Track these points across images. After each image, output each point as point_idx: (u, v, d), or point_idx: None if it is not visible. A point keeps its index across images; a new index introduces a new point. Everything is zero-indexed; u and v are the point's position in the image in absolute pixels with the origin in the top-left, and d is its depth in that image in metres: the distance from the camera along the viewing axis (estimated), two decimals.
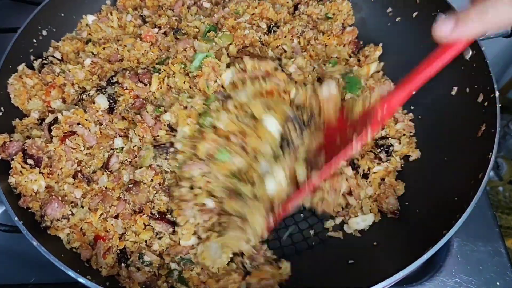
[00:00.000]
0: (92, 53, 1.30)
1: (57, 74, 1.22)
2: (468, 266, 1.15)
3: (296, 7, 1.44)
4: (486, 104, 1.07)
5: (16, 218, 0.95)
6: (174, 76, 1.18)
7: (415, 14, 1.30)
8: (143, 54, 1.28)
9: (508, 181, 1.86)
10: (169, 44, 1.28)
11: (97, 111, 1.14)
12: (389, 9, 1.37)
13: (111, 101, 1.17)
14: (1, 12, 1.68)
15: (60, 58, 1.29)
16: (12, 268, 1.22)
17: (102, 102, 1.15)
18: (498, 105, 1.02)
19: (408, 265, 0.87)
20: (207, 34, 1.29)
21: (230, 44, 1.27)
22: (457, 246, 1.18)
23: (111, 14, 1.39)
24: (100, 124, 1.15)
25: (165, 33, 1.34)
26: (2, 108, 1.16)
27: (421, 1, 1.27)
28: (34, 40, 1.28)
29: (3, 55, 1.17)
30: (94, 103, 1.15)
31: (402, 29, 1.34)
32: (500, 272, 1.14)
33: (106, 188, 1.08)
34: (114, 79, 1.21)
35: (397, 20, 1.36)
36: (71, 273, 0.89)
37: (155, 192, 1.07)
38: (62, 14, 1.35)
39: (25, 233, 0.93)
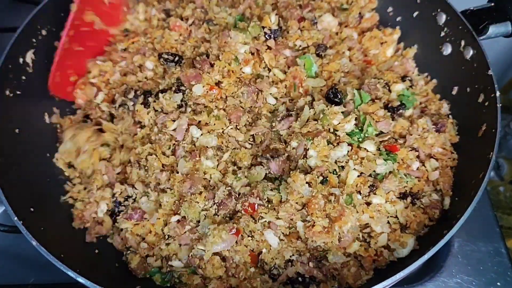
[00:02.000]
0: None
1: None
2: (468, 267, 1.15)
3: None
4: (486, 104, 1.07)
5: (16, 218, 0.95)
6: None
7: (415, 13, 1.29)
8: (182, 43, 1.30)
9: (509, 181, 1.85)
10: (203, 35, 1.29)
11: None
12: (390, 9, 1.36)
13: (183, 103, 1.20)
14: (0, 11, 1.67)
15: None
16: (12, 268, 1.22)
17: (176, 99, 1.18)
18: (499, 105, 1.02)
19: (408, 265, 0.87)
20: (237, 24, 1.27)
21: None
22: (457, 246, 1.18)
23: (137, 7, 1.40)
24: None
25: (193, 24, 1.33)
26: None
27: (421, 0, 1.27)
28: (34, 40, 1.27)
29: (2, 55, 1.16)
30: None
31: (402, 28, 1.33)
32: (500, 272, 1.14)
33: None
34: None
35: (397, 19, 1.35)
36: (71, 273, 0.89)
37: None
38: (62, 14, 1.34)
39: (25, 233, 0.93)
